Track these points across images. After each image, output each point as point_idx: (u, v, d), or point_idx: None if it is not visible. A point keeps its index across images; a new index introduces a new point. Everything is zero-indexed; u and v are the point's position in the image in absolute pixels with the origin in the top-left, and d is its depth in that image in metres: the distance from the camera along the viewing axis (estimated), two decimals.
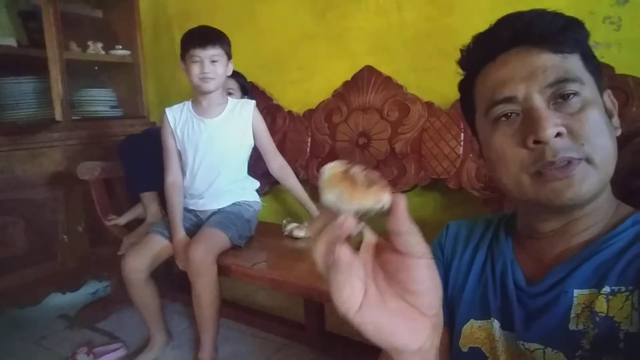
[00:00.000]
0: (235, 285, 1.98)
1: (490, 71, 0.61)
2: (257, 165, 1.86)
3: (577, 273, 0.56)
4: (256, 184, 1.85)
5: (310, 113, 1.94)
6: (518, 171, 0.57)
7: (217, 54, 1.63)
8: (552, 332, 0.55)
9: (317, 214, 1.83)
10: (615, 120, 0.60)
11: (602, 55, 1.29)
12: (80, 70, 2.26)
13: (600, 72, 0.60)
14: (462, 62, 0.67)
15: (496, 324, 0.62)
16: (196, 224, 1.73)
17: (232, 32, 1.76)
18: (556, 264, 0.59)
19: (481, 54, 0.63)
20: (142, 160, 1.92)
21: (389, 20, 1.74)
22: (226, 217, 1.66)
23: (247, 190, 1.80)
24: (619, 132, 0.60)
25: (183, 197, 1.76)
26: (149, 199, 1.95)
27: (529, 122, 0.56)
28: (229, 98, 1.78)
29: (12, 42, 1.98)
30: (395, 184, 1.68)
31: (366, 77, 1.76)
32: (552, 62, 0.56)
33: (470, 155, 1.52)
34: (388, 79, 1.71)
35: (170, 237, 1.65)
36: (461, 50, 0.66)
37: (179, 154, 1.77)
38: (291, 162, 1.84)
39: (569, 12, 0.58)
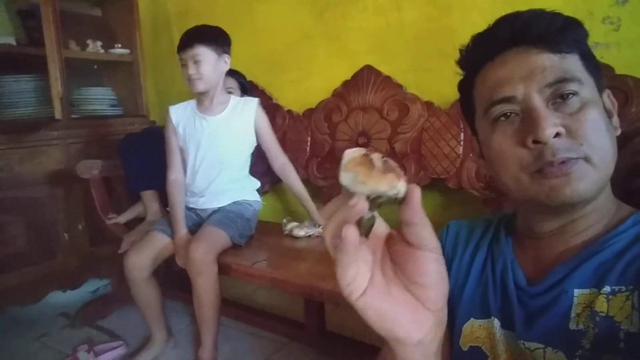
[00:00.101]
0: (235, 284, 1.99)
1: (489, 71, 0.61)
2: (257, 164, 1.87)
3: (577, 273, 0.56)
4: (257, 183, 1.85)
5: (309, 112, 1.94)
6: (517, 171, 0.57)
7: (198, 53, 1.61)
8: (552, 332, 0.56)
9: (316, 213, 1.83)
10: (615, 120, 0.61)
11: (602, 55, 1.29)
12: (80, 68, 2.27)
13: (599, 72, 0.60)
14: (462, 62, 0.67)
15: (496, 323, 0.62)
16: (197, 223, 1.73)
17: (231, 31, 1.76)
18: (556, 264, 0.59)
19: (480, 54, 0.63)
20: (142, 158, 1.92)
21: (388, 20, 1.74)
22: (226, 216, 1.66)
23: (248, 190, 1.81)
24: (618, 132, 0.60)
25: (185, 195, 1.76)
26: (149, 197, 1.95)
27: (528, 122, 0.56)
28: (232, 96, 1.78)
29: (11, 40, 1.98)
30: None
31: (366, 76, 1.76)
32: (551, 62, 0.56)
33: (470, 155, 1.52)
34: (388, 78, 1.71)
35: (173, 235, 1.65)
36: (460, 51, 0.67)
37: (182, 151, 1.77)
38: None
39: (568, 12, 0.58)
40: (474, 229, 0.73)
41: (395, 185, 0.37)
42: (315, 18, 1.93)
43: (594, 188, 0.55)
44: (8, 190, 1.90)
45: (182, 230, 1.65)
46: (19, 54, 2.01)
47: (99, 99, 2.33)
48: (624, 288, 0.52)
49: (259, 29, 2.12)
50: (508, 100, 0.58)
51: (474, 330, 0.65)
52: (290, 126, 1.98)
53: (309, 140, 1.93)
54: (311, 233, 1.68)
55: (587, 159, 0.54)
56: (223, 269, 1.55)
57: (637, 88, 1.20)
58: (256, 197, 1.83)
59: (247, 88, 2.00)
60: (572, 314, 0.55)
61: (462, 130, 1.55)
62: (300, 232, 1.69)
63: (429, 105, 1.63)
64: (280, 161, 1.77)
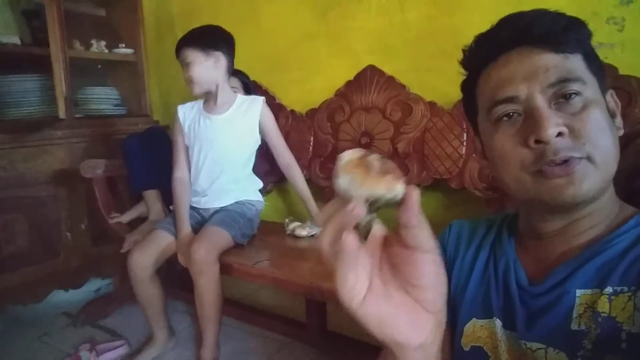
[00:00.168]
0: (237, 283, 1.99)
1: (492, 71, 0.61)
2: (260, 164, 1.87)
3: (579, 273, 0.56)
4: (259, 183, 1.86)
5: (312, 112, 1.94)
6: (519, 170, 0.57)
7: (186, 56, 1.64)
8: (554, 332, 0.56)
9: (318, 215, 1.83)
10: (618, 120, 0.60)
11: (606, 55, 1.28)
12: (84, 68, 2.27)
13: (602, 72, 0.60)
14: (464, 62, 0.67)
15: (498, 323, 0.62)
16: (199, 222, 1.73)
17: (234, 31, 1.76)
18: (558, 264, 0.59)
19: (483, 54, 0.63)
20: (145, 158, 1.93)
21: (391, 19, 1.74)
22: (229, 216, 1.66)
23: (250, 190, 1.81)
24: (621, 132, 0.60)
25: (190, 193, 1.77)
26: (151, 197, 1.95)
27: (530, 121, 0.56)
28: (239, 95, 1.78)
29: (15, 40, 1.99)
30: None
31: (369, 76, 1.76)
32: (554, 62, 0.56)
33: (473, 155, 1.52)
34: (391, 78, 1.71)
35: (176, 233, 1.66)
36: (463, 51, 0.67)
37: (187, 150, 1.79)
38: None
39: (572, 12, 0.58)
40: (477, 229, 0.73)
41: (394, 187, 0.36)
42: (319, 18, 1.93)
43: (596, 188, 0.55)
44: (11, 190, 1.91)
45: (186, 228, 1.65)
46: (24, 53, 2.02)
47: (103, 98, 2.33)
48: (626, 288, 0.52)
49: (262, 28, 2.12)
50: (511, 100, 0.58)
51: (476, 330, 0.65)
52: (293, 126, 1.98)
53: (312, 140, 1.93)
54: (313, 233, 1.68)
55: (589, 159, 0.54)
56: (225, 269, 1.55)
57: None
58: (259, 197, 1.83)
59: (250, 87, 2.00)
60: (574, 314, 0.55)
61: (465, 130, 1.55)
62: (303, 232, 1.69)
63: (431, 105, 1.63)
64: (287, 160, 1.78)
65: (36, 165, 1.98)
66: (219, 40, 1.69)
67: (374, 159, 0.38)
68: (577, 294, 0.55)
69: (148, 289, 1.66)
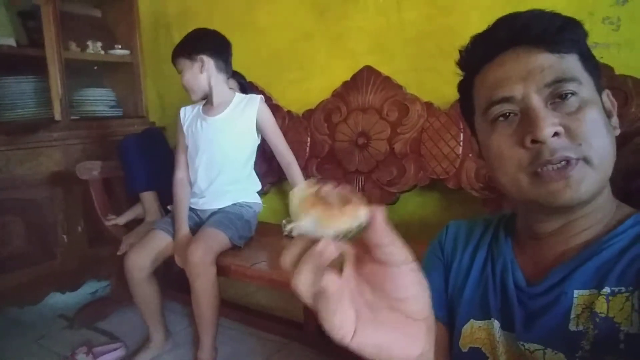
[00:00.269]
0: (234, 285, 1.99)
1: (488, 71, 0.61)
2: (258, 165, 1.86)
3: (577, 274, 0.56)
4: (258, 185, 1.85)
5: (309, 113, 1.93)
6: (516, 171, 0.57)
7: (178, 64, 1.71)
8: (552, 333, 0.56)
9: None
10: (614, 120, 0.61)
11: (602, 55, 1.29)
12: (80, 69, 2.26)
13: (599, 72, 0.60)
14: (461, 63, 0.67)
15: (496, 324, 0.62)
16: (197, 224, 1.73)
17: (231, 31, 1.76)
18: (556, 265, 0.59)
19: (479, 54, 0.63)
20: (142, 160, 1.92)
21: (389, 20, 1.74)
22: (226, 217, 1.66)
23: (248, 191, 1.81)
24: (617, 132, 0.60)
25: (189, 194, 1.78)
26: (148, 198, 1.95)
27: (526, 121, 0.56)
28: (237, 94, 1.78)
29: (11, 41, 1.98)
30: (394, 184, 1.68)
31: (365, 77, 1.76)
32: (550, 62, 0.56)
33: (470, 155, 1.52)
34: (387, 79, 1.71)
35: (174, 234, 1.66)
36: (460, 51, 0.67)
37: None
38: None
39: (568, 13, 0.58)
40: (474, 230, 0.73)
41: (358, 215, 0.35)
42: (316, 18, 1.93)
43: (593, 189, 0.55)
44: (7, 191, 1.90)
45: (184, 229, 1.65)
46: (19, 55, 2.01)
47: (99, 100, 2.33)
48: (623, 289, 0.52)
49: (259, 29, 2.11)
50: (507, 100, 0.58)
51: (474, 331, 0.65)
52: (289, 127, 1.97)
53: (309, 140, 1.93)
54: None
55: (586, 160, 0.54)
56: (222, 270, 1.54)
57: (637, 88, 1.20)
58: (257, 199, 1.83)
59: (247, 88, 2.00)
60: (572, 315, 0.55)
61: (462, 130, 1.55)
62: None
63: (428, 105, 1.63)
64: (287, 159, 1.77)
65: (32, 167, 1.97)
66: (201, 43, 1.69)
67: (329, 192, 0.36)
68: (575, 295, 0.55)
69: (145, 290, 1.66)
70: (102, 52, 2.28)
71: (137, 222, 1.98)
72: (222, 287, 1.57)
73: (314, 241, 0.35)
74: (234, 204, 1.75)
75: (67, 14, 2.14)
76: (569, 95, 0.55)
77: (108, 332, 2.01)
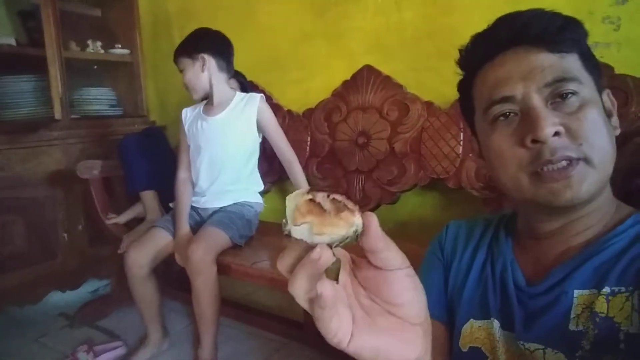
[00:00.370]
0: (235, 284, 1.98)
1: (488, 71, 0.61)
2: (258, 164, 1.86)
3: (577, 273, 0.56)
4: (260, 185, 1.85)
5: (309, 112, 1.93)
6: (516, 171, 0.57)
7: (180, 63, 1.72)
8: (552, 333, 0.56)
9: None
10: (615, 119, 0.61)
11: (602, 55, 1.28)
12: (80, 69, 2.27)
13: (599, 71, 0.60)
14: (461, 63, 0.67)
15: (496, 324, 0.62)
16: (198, 222, 1.73)
17: (232, 31, 1.76)
18: (556, 265, 0.59)
19: (479, 54, 0.63)
20: (142, 159, 1.92)
21: (389, 19, 1.74)
22: (227, 217, 1.66)
23: (250, 191, 1.80)
24: (618, 132, 0.60)
25: (191, 193, 1.78)
26: (148, 197, 1.95)
27: (527, 121, 0.56)
28: (237, 93, 1.78)
29: (11, 41, 1.98)
30: (394, 184, 1.68)
31: (366, 76, 1.75)
32: (550, 62, 0.56)
33: (470, 155, 1.52)
34: (387, 78, 1.71)
35: (174, 233, 1.66)
36: (459, 51, 0.67)
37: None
38: None
39: (568, 12, 0.58)
40: (474, 229, 0.73)
41: (353, 222, 0.35)
42: (316, 18, 1.93)
43: (594, 189, 0.55)
44: (8, 190, 1.90)
45: (185, 228, 1.65)
46: (19, 54, 2.01)
47: (99, 99, 2.33)
48: (623, 289, 0.52)
49: (260, 29, 2.11)
50: (507, 100, 0.58)
51: (474, 331, 0.65)
52: (290, 126, 1.97)
53: (309, 140, 1.93)
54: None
55: (586, 160, 0.54)
56: (223, 269, 1.54)
57: (637, 88, 1.19)
58: (258, 198, 1.83)
59: (247, 88, 2.00)
60: (572, 315, 0.55)
61: (462, 130, 1.55)
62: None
63: (428, 105, 1.63)
64: (287, 157, 1.77)
65: (32, 166, 1.97)
66: (203, 42, 1.70)
67: (323, 198, 0.36)
68: (575, 295, 0.55)
69: (144, 288, 1.66)
70: (102, 51, 2.28)
71: (137, 221, 1.98)
72: (222, 286, 1.57)
73: (309, 247, 0.35)
74: (235, 204, 1.74)
75: (67, 13, 2.14)
76: (570, 95, 0.55)
77: (109, 330, 2.01)
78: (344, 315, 0.36)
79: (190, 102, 1.84)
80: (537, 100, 0.56)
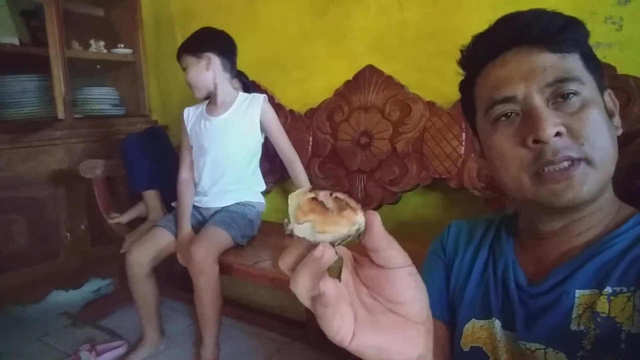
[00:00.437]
0: (236, 283, 1.99)
1: (490, 71, 0.61)
2: (260, 163, 1.86)
3: (578, 273, 0.56)
4: (262, 185, 1.85)
5: (311, 112, 1.93)
6: (518, 171, 0.57)
7: (184, 61, 1.71)
8: (553, 333, 0.56)
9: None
10: (617, 119, 0.61)
11: (604, 55, 1.28)
12: (83, 68, 2.27)
13: (601, 71, 0.60)
14: (462, 63, 0.67)
15: (497, 323, 0.62)
16: (200, 222, 1.74)
17: (234, 31, 1.76)
18: (558, 264, 0.59)
19: (481, 54, 0.63)
20: (144, 158, 1.93)
21: (390, 19, 1.74)
22: (229, 216, 1.66)
23: (252, 191, 1.81)
24: (619, 132, 0.60)
25: (193, 193, 1.78)
26: (150, 197, 1.95)
27: (528, 121, 0.56)
28: (240, 94, 1.78)
29: (14, 40, 1.98)
30: (396, 184, 1.68)
31: (367, 76, 1.76)
32: (551, 62, 0.56)
33: (472, 154, 1.52)
34: (389, 78, 1.71)
35: (177, 233, 1.66)
36: (461, 51, 0.67)
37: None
38: None
39: (570, 12, 0.58)
40: (475, 229, 0.73)
41: (355, 220, 0.35)
42: (318, 18, 1.93)
43: (595, 190, 0.55)
44: (10, 190, 1.91)
45: (187, 228, 1.66)
46: (22, 53, 2.01)
47: (102, 98, 2.33)
48: (625, 289, 0.52)
49: (262, 28, 2.12)
50: (509, 100, 0.58)
51: (475, 330, 0.65)
52: (292, 126, 1.97)
53: (311, 140, 1.93)
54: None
55: (587, 161, 0.53)
56: (224, 269, 1.55)
57: (639, 88, 1.19)
58: (260, 198, 1.83)
59: (249, 87, 2.00)
60: (574, 315, 0.55)
61: (464, 130, 1.55)
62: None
63: (430, 105, 1.63)
64: (288, 157, 1.77)
65: (35, 165, 1.98)
66: (209, 41, 1.70)
67: (326, 196, 0.36)
68: (577, 295, 0.55)
69: (144, 287, 1.66)
70: (105, 50, 2.28)
71: (139, 220, 1.99)
72: (224, 285, 1.58)
73: (311, 246, 0.35)
74: (237, 203, 1.75)
75: (70, 13, 2.15)
76: (571, 95, 0.55)
77: (111, 329, 2.02)
78: (346, 314, 0.36)
79: (193, 102, 1.84)
80: (538, 101, 0.56)
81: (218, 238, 1.57)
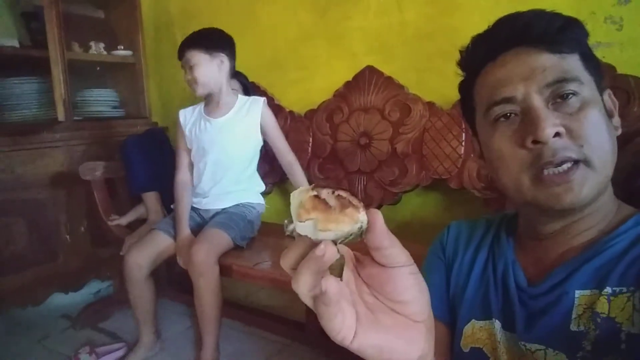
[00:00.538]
0: (236, 285, 1.99)
1: (489, 72, 0.61)
2: (259, 165, 1.86)
3: (578, 274, 0.56)
4: (262, 186, 1.85)
5: (311, 113, 1.94)
6: (517, 172, 0.57)
7: (191, 58, 1.65)
8: (553, 333, 0.55)
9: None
10: (616, 120, 0.60)
11: (604, 55, 1.28)
12: (82, 70, 2.27)
13: (600, 72, 0.60)
14: (462, 63, 0.67)
15: (497, 324, 0.62)
16: (200, 224, 1.73)
17: (233, 32, 1.76)
18: (557, 265, 0.59)
19: (480, 54, 0.63)
20: (144, 160, 1.93)
21: (390, 20, 1.74)
22: (229, 218, 1.66)
23: (252, 192, 1.81)
24: (619, 132, 0.60)
25: (191, 196, 1.78)
26: (150, 199, 1.95)
27: (527, 122, 0.56)
28: (240, 96, 1.78)
29: (14, 42, 1.98)
30: (396, 184, 1.68)
31: (367, 77, 1.76)
32: (551, 62, 0.56)
33: (472, 155, 1.52)
34: (389, 79, 1.71)
35: (175, 236, 1.66)
36: (460, 52, 0.67)
37: (190, 153, 1.80)
38: None
39: (570, 12, 0.58)
40: (475, 230, 0.73)
41: (357, 219, 0.35)
42: (317, 19, 1.93)
43: (595, 192, 0.55)
44: (10, 192, 1.91)
45: (185, 230, 1.65)
46: (22, 56, 2.01)
47: (102, 100, 2.33)
48: (625, 289, 0.52)
49: (262, 29, 2.12)
50: (508, 100, 0.58)
51: (475, 331, 0.65)
52: (291, 127, 1.98)
53: (311, 140, 1.93)
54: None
55: (587, 162, 0.53)
56: (224, 270, 1.55)
57: (639, 88, 1.19)
58: (260, 199, 1.83)
59: (249, 88, 2.00)
60: (573, 315, 0.55)
61: (464, 130, 1.55)
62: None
63: (430, 105, 1.63)
64: (287, 159, 1.77)
65: (35, 167, 1.98)
66: (222, 42, 1.69)
67: (328, 195, 0.36)
68: (576, 295, 0.55)
69: (141, 290, 1.66)
70: (105, 52, 2.28)
71: (139, 222, 1.99)
72: (224, 287, 1.57)
73: (313, 244, 0.35)
74: (237, 205, 1.75)
75: (70, 15, 2.15)
76: (570, 96, 0.55)
77: (111, 332, 2.01)
78: (347, 313, 0.36)
79: (193, 103, 1.84)
80: (537, 101, 0.55)
81: (218, 240, 1.57)
